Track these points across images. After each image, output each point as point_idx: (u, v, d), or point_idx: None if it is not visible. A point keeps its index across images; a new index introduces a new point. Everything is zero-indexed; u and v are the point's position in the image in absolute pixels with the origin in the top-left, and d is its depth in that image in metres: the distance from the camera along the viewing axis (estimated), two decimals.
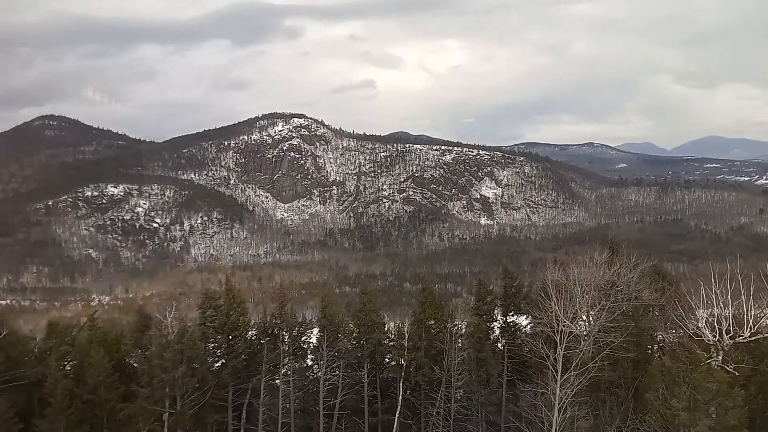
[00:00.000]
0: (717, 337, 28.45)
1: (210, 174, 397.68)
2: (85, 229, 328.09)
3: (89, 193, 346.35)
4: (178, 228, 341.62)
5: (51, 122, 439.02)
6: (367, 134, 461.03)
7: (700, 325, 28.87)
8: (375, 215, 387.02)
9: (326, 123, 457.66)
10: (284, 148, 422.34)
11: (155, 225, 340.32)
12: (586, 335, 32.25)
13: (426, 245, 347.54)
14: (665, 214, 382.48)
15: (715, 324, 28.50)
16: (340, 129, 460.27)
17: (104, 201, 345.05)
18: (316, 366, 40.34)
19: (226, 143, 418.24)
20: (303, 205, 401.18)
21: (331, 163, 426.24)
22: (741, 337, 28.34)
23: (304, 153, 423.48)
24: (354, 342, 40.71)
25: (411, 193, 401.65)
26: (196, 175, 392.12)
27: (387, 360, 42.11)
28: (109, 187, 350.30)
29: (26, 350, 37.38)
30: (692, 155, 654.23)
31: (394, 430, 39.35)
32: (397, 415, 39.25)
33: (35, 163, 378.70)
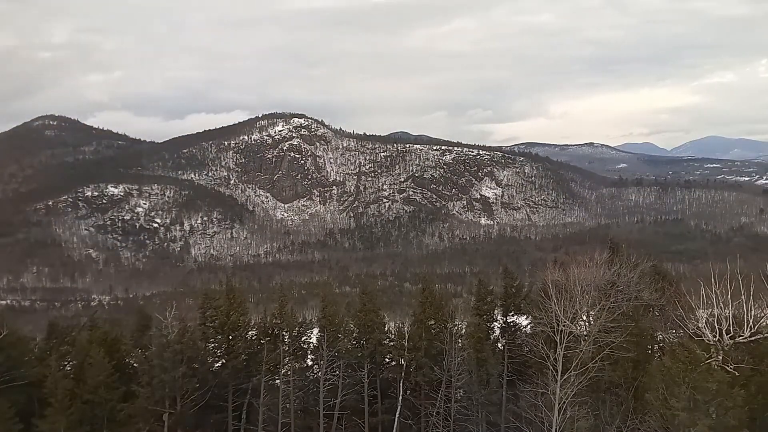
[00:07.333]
0: (717, 337, 28.40)
1: (210, 174, 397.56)
2: (85, 229, 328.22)
3: (89, 193, 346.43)
4: (178, 228, 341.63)
5: (51, 122, 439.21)
6: (367, 134, 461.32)
7: (700, 325, 28.84)
8: (375, 215, 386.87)
9: (326, 123, 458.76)
10: (284, 148, 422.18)
11: (155, 225, 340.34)
12: (586, 335, 32.26)
13: (426, 245, 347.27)
14: (665, 214, 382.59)
15: (715, 324, 28.45)
16: (340, 129, 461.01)
17: (104, 201, 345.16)
18: (316, 366, 40.31)
19: (226, 143, 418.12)
20: (303, 205, 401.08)
21: (331, 163, 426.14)
22: (741, 337, 28.29)
23: (304, 153, 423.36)
24: (354, 342, 40.66)
25: (411, 193, 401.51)
26: (196, 175, 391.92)
27: (387, 360, 42.09)
28: (109, 187, 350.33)
29: (26, 350, 37.42)
30: (692, 155, 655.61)
31: (394, 430, 39.32)
32: (397, 415, 39.23)
33: (35, 163, 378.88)
